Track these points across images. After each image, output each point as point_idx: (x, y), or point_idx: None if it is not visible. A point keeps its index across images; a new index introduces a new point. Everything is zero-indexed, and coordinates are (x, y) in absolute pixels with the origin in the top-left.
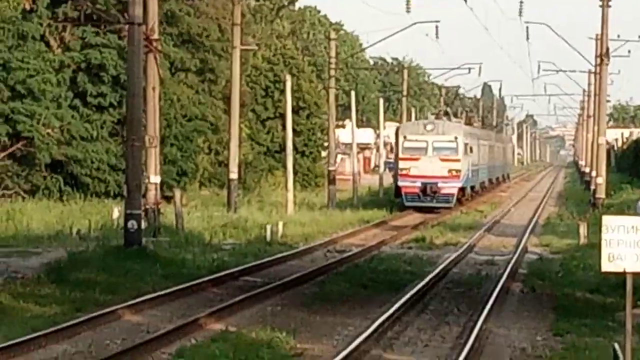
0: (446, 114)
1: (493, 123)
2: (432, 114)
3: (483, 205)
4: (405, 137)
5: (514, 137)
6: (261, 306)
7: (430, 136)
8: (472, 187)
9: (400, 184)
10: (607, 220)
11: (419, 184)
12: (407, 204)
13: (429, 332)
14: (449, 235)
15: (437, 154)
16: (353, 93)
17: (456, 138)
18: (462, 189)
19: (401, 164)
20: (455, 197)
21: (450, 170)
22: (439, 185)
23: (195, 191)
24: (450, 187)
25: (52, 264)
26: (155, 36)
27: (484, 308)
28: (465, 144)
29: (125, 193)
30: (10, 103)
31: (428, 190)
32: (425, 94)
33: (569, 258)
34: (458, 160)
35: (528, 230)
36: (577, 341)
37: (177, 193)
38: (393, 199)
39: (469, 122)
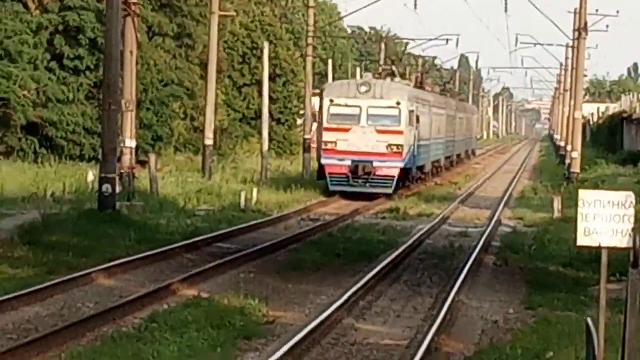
0: (391, 73)
1: (469, 96)
2: (367, 70)
3: (458, 177)
4: (332, 102)
5: (490, 110)
6: (234, 273)
7: (365, 101)
8: (421, 168)
9: (323, 162)
10: (584, 194)
11: (348, 163)
12: (332, 188)
13: (401, 302)
14: (423, 206)
15: (374, 124)
16: (330, 62)
17: (399, 104)
18: (405, 170)
19: (325, 136)
20: (395, 181)
21: (389, 146)
22: (375, 164)
23: (170, 156)
24: (390, 168)
25: (25, 226)
26: (134, 0)
27: (457, 280)
28: (411, 112)
29: (100, 157)
30: None
31: (360, 170)
32: (402, 64)
33: (542, 232)
34: (400, 133)
35: (502, 203)
36: (549, 315)
37: (152, 158)
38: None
39: (420, 85)
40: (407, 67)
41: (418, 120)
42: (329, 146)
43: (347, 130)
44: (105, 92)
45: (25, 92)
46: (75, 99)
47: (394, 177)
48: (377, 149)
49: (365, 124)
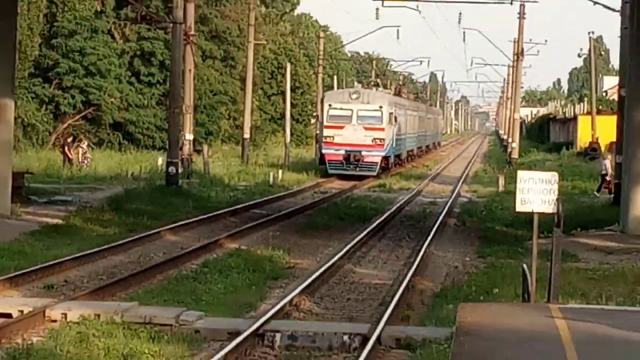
0: (376, 84)
1: (437, 102)
2: (359, 82)
3: (428, 161)
4: (330, 106)
5: (452, 113)
6: (265, 231)
7: (355, 105)
8: (398, 155)
9: (324, 151)
10: (521, 174)
11: (342, 152)
12: (330, 171)
13: (387, 253)
14: (403, 182)
15: (362, 123)
16: (335, 77)
17: (381, 107)
18: (386, 158)
19: (325, 132)
20: (378, 166)
21: (374, 139)
22: (363, 153)
23: (218, 146)
24: (374, 156)
25: (112, 197)
26: (192, 32)
27: (427, 236)
28: (390, 114)
29: (167, 147)
30: (85, 79)
31: (351, 158)
32: (385, 78)
33: (490, 201)
34: (382, 129)
35: (461, 180)
36: (495, 262)
37: (205, 148)
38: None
39: (397, 93)
40: (390, 80)
41: (396, 120)
42: (328, 140)
43: (341, 127)
44: (171, 99)
45: (112, 99)
46: (149, 105)
47: (377, 163)
48: (364, 142)
49: (355, 123)
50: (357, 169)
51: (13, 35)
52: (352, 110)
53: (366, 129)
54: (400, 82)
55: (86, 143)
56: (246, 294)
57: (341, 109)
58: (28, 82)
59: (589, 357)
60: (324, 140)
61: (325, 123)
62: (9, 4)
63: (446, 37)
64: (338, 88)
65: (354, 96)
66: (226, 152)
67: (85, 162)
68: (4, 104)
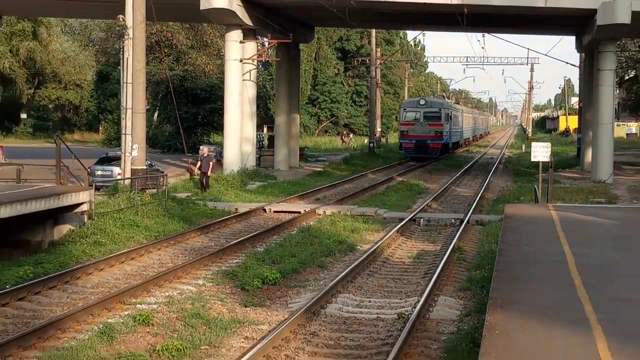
0: (442, 96)
1: (491, 111)
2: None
3: (482, 143)
4: (404, 109)
5: (500, 115)
6: (415, 172)
7: (422, 108)
8: (456, 143)
9: (401, 141)
10: (533, 144)
11: (414, 142)
12: (406, 155)
13: (470, 181)
14: (477, 149)
15: (427, 121)
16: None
17: (440, 109)
18: (445, 144)
19: (402, 128)
20: (439, 150)
21: (436, 132)
22: (428, 142)
23: (391, 134)
24: (436, 144)
25: (344, 158)
26: (379, 81)
27: (489, 174)
28: (447, 114)
29: (368, 134)
30: (330, 104)
31: (420, 145)
32: (448, 92)
33: (518, 157)
34: (441, 125)
35: (504, 147)
36: (522, 184)
37: (386, 134)
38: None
39: (456, 102)
40: (452, 95)
41: (451, 118)
42: (404, 133)
43: (413, 125)
44: (370, 113)
45: (342, 115)
46: (359, 115)
47: (438, 148)
48: (429, 134)
49: (422, 121)
50: (424, 153)
51: (298, 84)
52: (420, 112)
53: (430, 125)
54: (459, 96)
55: (351, 134)
56: (406, 201)
57: (413, 111)
58: (305, 105)
59: (566, 226)
60: (401, 134)
61: (402, 122)
62: (296, 84)
63: (499, 79)
64: None
65: (422, 102)
66: (395, 135)
67: (350, 140)
68: (295, 116)
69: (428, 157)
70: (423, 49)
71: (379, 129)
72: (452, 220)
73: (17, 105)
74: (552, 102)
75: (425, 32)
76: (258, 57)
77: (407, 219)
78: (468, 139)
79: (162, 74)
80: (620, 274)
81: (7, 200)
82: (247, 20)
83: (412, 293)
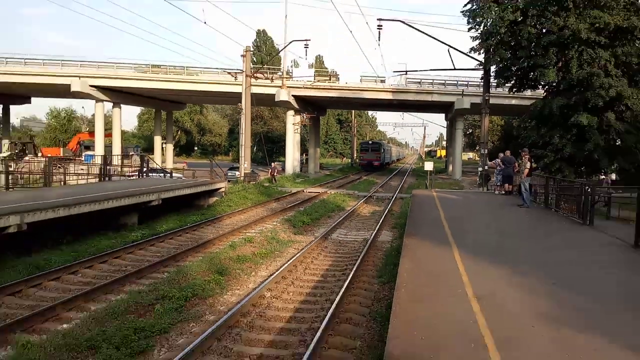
0: (381, 139)
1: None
2: (370, 139)
3: (403, 162)
4: (362, 146)
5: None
6: (370, 175)
7: (371, 146)
8: (387, 162)
9: (360, 161)
10: (426, 162)
11: (366, 161)
12: (363, 168)
13: (396, 179)
14: (399, 165)
15: (373, 152)
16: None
17: (380, 146)
18: (382, 163)
19: (361, 155)
20: (379, 166)
21: (377, 157)
22: (373, 162)
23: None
24: (377, 162)
25: (340, 168)
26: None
27: (405, 175)
28: (383, 148)
29: (351, 157)
30: (332, 144)
31: (369, 163)
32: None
33: (418, 167)
34: (380, 153)
35: (412, 164)
36: (420, 180)
37: None
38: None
39: (389, 142)
40: (388, 139)
41: (385, 150)
42: (362, 157)
43: (366, 153)
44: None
45: (338, 148)
46: (347, 149)
47: (379, 165)
48: (374, 158)
49: (370, 152)
50: (371, 167)
51: (318, 135)
52: (369, 147)
53: (374, 153)
54: (390, 139)
55: (343, 157)
56: (368, 187)
57: (366, 147)
58: (322, 144)
59: (440, 200)
60: (360, 157)
61: (361, 151)
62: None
63: (410, 132)
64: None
65: (370, 142)
66: None
67: (342, 160)
68: (317, 149)
69: (374, 169)
70: (375, 118)
71: (355, 154)
72: (389, 196)
73: (193, 144)
74: (435, 143)
75: (376, 111)
76: (301, 122)
77: (367, 196)
78: (394, 160)
79: (257, 130)
80: (463, 221)
81: (191, 185)
82: (296, 105)
83: (369, 229)
